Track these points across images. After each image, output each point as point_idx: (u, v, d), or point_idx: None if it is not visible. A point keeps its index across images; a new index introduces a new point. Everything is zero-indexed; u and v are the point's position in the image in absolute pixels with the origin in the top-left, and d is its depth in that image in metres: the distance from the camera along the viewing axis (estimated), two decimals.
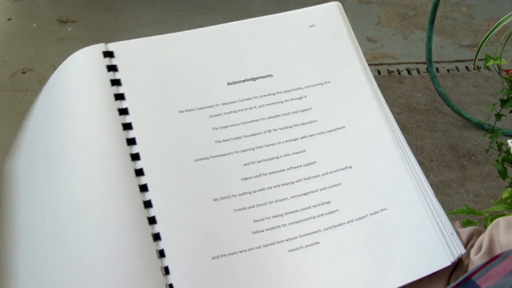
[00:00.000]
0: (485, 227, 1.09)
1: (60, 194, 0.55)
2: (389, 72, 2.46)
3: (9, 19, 2.81)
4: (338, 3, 0.68)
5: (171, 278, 0.52)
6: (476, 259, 0.52)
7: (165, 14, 2.86)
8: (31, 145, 0.61)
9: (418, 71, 2.47)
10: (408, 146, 0.60)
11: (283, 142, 0.58)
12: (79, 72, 0.60)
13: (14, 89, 2.35)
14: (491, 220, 1.08)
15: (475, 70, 2.45)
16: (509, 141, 1.63)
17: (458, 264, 0.55)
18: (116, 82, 0.59)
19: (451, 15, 2.89)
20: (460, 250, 0.54)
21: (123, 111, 0.57)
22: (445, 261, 0.54)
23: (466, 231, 0.57)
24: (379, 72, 2.45)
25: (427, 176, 1.91)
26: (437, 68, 2.47)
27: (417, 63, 2.52)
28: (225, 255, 0.53)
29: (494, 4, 2.97)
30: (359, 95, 0.62)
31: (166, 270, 0.52)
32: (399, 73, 2.46)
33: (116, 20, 2.80)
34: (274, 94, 0.61)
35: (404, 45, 2.66)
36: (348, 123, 0.60)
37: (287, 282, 0.53)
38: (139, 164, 0.55)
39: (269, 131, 0.59)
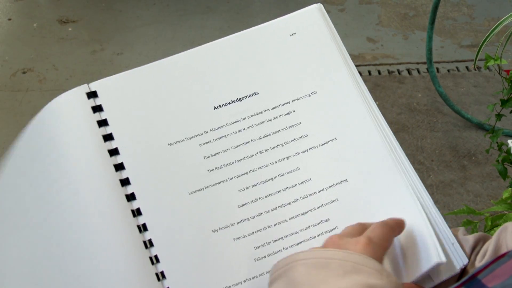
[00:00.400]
0: (486, 228, 1.09)
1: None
2: (390, 72, 2.46)
3: (10, 19, 2.82)
4: (318, 5, 0.65)
5: None
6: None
7: (165, 14, 2.86)
8: (15, 181, 0.60)
9: (419, 71, 2.47)
10: (401, 150, 0.57)
11: (276, 162, 0.58)
12: (65, 117, 0.59)
13: (15, 89, 2.35)
14: (492, 220, 1.08)
15: (475, 70, 2.45)
16: (509, 141, 1.63)
17: (463, 274, 0.53)
18: (103, 123, 0.59)
19: (452, 15, 2.89)
20: (462, 261, 0.52)
21: (114, 152, 0.58)
22: (448, 272, 0.52)
23: (471, 238, 0.56)
24: (379, 72, 2.45)
25: (428, 176, 1.91)
26: (437, 68, 2.47)
27: (418, 63, 2.52)
28: (229, 287, 0.53)
29: (495, 4, 2.97)
30: (347, 103, 0.60)
31: None
32: (399, 73, 2.46)
33: (116, 20, 2.80)
34: (262, 112, 0.60)
35: (405, 45, 2.66)
36: (339, 134, 0.59)
37: None
38: (135, 204, 0.56)
39: (261, 152, 0.58)
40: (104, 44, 2.61)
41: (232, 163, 0.58)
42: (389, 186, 0.57)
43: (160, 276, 0.53)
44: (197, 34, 2.68)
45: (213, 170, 0.58)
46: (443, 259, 0.50)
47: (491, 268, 0.43)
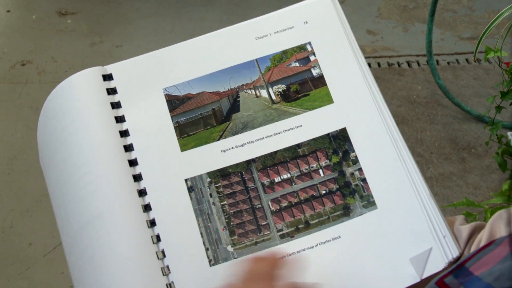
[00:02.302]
0: (485, 219, 1.09)
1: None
2: (389, 64, 2.46)
3: (8, 11, 2.80)
4: None
5: None
6: None
7: (164, 7, 2.85)
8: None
9: (418, 64, 2.47)
10: (402, 141, 0.59)
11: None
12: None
13: (14, 81, 2.34)
14: (491, 213, 1.08)
15: (475, 62, 2.45)
16: (509, 133, 1.63)
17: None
18: (116, 105, 0.62)
19: (452, 7, 2.88)
20: (452, 254, 0.53)
21: (124, 133, 0.60)
22: (440, 265, 0.53)
23: (467, 228, 0.56)
24: (379, 65, 2.45)
25: (427, 168, 1.91)
26: (437, 61, 2.46)
27: (417, 55, 2.52)
28: None
29: None
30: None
31: None
32: (399, 65, 2.46)
33: (116, 13, 2.79)
34: None
35: (404, 37, 2.65)
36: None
37: None
38: (142, 184, 0.59)
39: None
40: (103, 36, 2.60)
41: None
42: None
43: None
44: (196, 27, 2.67)
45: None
46: (432, 248, 0.52)
47: (478, 256, 0.43)
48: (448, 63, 2.48)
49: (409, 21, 2.77)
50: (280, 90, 0.63)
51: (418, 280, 0.53)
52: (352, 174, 0.59)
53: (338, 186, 0.59)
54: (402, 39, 2.63)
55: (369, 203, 0.58)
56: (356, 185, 0.59)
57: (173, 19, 2.74)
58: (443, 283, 0.43)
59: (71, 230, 0.57)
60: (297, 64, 0.64)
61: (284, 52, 0.64)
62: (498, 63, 1.59)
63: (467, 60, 2.49)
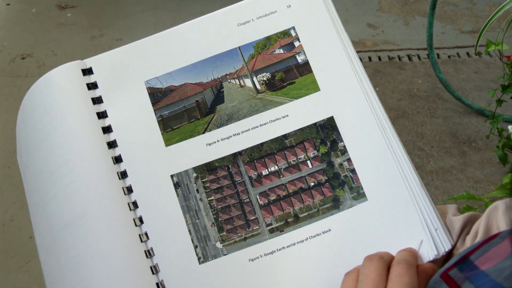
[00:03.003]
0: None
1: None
2: (390, 58, 2.45)
3: (8, 4, 2.80)
4: None
5: None
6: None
7: (165, 0, 2.84)
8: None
9: (419, 57, 2.46)
10: (394, 134, 0.57)
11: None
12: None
13: (14, 74, 2.34)
14: None
15: (476, 55, 2.44)
16: (509, 127, 1.63)
17: (450, 256, 0.53)
18: (97, 100, 0.60)
19: (453, 0, 2.87)
20: (444, 247, 0.52)
21: (107, 130, 0.59)
22: (429, 255, 0.52)
23: (460, 219, 0.55)
24: (379, 59, 2.44)
25: (427, 162, 1.91)
26: (438, 54, 2.46)
27: (418, 49, 2.51)
28: None
29: None
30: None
31: None
32: (399, 59, 2.45)
33: (116, 6, 2.78)
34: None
35: (405, 31, 2.64)
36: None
37: None
38: (127, 182, 0.58)
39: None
40: (103, 30, 2.59)
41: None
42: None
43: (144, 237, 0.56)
44: None
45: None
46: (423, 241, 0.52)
47: (483, 249, 0.42)
48: (448, 56, 2.48)
49: (410, 15, 2.76)
50: (264, 78, 0.61)
51: None
52: (341, 164, 0.58)
53: (327, 178, 0.58)
54: (402, 33, 2.63)
55: (359, 194, 0.56)
56: (345, 176, 0.57)
57: (173, 12, 2.74)
58: (448, 276, 0.42)
59: (50, 230, 0.56)
60: (281, 51, 0.62)
61: (268, 38, 0.62)
62: (499, 57, 1.59)
63: (468, 53, 2.49)
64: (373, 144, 0.57)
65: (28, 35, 2.58)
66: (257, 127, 0.59)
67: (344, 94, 0.59)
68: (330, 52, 0.60)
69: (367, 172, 0.57)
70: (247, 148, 0.58)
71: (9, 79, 2.32)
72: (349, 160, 0.58)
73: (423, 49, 2.48)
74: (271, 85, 0.61)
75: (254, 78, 0.61)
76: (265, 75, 0.62)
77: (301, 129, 0.59)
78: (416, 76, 2.36)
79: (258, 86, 0.61)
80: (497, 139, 1.52)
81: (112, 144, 0.58)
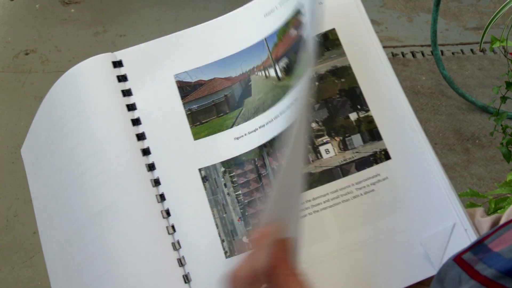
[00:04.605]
0: (489, 210, 1.09)
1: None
2: (394, 55, 2.45)
3: (12, 0, 2.80)
4: None
5: None
6: None
7: None
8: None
9: (423, 54, 2.46)
10: (421, 131, 0.58)
11: None
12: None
13: (17, 70, 2.34)
14: (495, 203, 1.08)
15: (480, 52, 2.43)
16: None
17: None
18: (127, 93, 0.60)
19: None
20: None
21: (136, 122, 0.59)
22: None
23: (489, 220, 0.55)
24: None
25: None
26: (442, 51, 2.45)
27: (422, 45, 2.50)
28: None
29: None
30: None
31: None
32: (403, 56, 2.45)
33: (119, 2, 2.78)
34: None
35: (409, 27, 2.64)
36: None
37: None
38: (155, 174, 0.58)
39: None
40: (107, 25, 2.59)
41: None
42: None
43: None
44: (200, 16, 2.66)
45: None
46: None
47: (498, 233, 0.42)
48: (453, 53, 2.47)
49: (414, 11, 2.75)
50: (284, 65, 0.61)
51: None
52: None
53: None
54: (406, 29, 2.62)
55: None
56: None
57: (176, 8, 2.73)
58: (461, 259, 0.42)
59: (75, 221, 0.56)
60: (295, 32, 0.61)
61: (287, 23, 0.61)
62: (504, 53, 1.58)
63: (472, 50, 2.48)
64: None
65: (31, 31, 2.58)
66: (278, 116, 0.58)
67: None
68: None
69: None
70: (271, 139, 0.58)
71: (13, 74, 2.32)
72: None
73: (427, 45, 2.47)
74: (289, 70, 0.60)
75: (276, 66, 0.61)
76: (284, 61, 0.61)
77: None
78: (420, 73, 2.35)
79: (280, 74, 0.61)
80: (501, 136, 1.52)
81: (141, 137, 0.59)
